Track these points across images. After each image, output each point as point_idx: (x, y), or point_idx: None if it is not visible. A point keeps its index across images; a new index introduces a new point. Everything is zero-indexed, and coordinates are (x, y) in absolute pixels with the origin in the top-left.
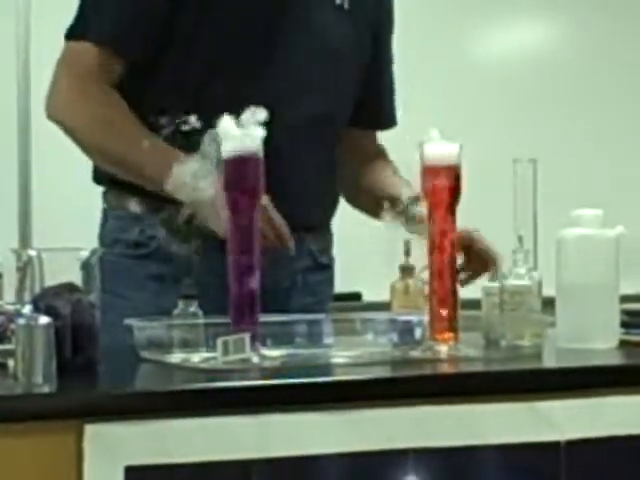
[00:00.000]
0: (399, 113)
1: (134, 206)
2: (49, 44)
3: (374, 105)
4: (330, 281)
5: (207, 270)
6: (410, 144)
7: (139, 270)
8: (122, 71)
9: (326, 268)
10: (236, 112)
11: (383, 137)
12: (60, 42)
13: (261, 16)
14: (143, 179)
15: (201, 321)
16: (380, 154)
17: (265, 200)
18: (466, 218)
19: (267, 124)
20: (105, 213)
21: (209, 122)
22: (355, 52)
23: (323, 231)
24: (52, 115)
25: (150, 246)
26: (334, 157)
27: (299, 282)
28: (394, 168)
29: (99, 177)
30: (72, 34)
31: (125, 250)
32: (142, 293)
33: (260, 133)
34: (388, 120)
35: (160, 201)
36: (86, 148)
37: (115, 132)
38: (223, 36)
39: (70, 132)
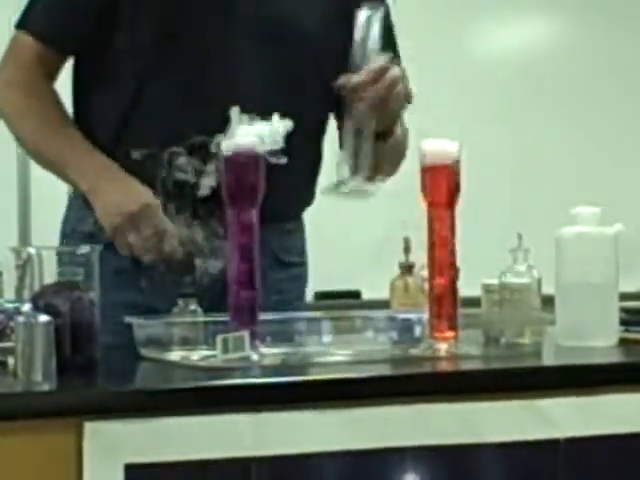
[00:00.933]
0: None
1: None
2: None
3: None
4: (298, 279)
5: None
6: (410, 144)
7: None
8: (63, 62)
9: (290, 266)
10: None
11: None
12: None
13: None
14: (65, 176)
15: (200, 319)
16: None
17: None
18: (465, 216)
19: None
20: (68, 201)
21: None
22: (321, 34)
23: (288, 228)
24: None
25: (102, 238)
26: (308, 152)
27: None
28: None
29: None
30: (18, 24)
31: (81, 241)
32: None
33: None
34: None
35: None
36: (15, 136)
37: (36, 121)
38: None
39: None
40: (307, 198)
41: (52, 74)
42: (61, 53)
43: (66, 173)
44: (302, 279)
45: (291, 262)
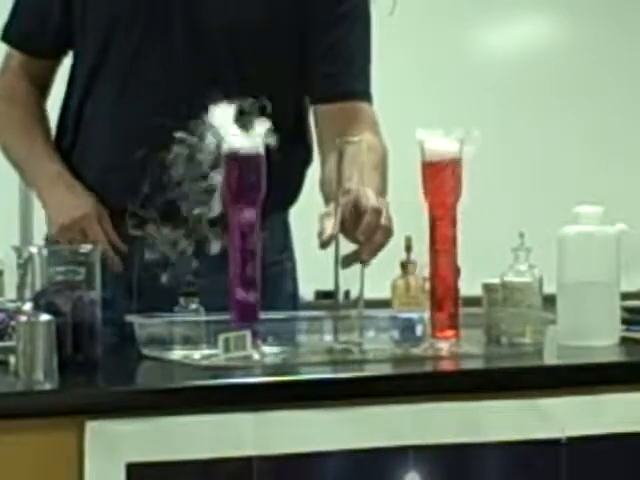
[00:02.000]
0: (396, 110)
1: None
2: None
3: (321, 74)
4: (281, 278)
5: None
6: (408, 142)
7: None
8: (46, 66)
9: (269, 265)
10: None
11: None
12: None
13: None
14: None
15: (202, 318)
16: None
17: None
18: (467, 215)
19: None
20: None
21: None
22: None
23: (268, 226)
24: None
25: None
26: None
27: None
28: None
29: None
30: (2, 34)
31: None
32: None
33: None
34: (346, 88)
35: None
36: None
37: (7, 122)
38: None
39: None
40: (290, 194)
41: (36, 79)
42: (36, 57)
43: (25, 177)
44: (282, 277)
45: (275, 260)
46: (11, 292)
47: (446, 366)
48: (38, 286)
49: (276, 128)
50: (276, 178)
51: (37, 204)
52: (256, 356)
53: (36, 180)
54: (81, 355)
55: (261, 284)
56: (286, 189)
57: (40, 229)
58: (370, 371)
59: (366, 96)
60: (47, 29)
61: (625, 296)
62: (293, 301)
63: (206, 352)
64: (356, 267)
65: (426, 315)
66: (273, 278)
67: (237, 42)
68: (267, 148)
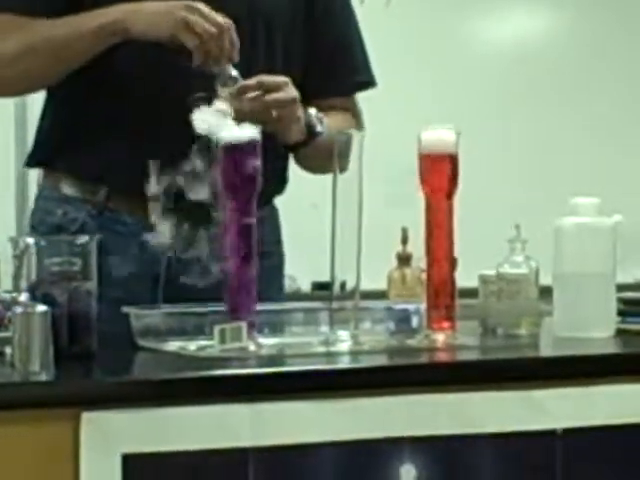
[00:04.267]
0: (393, 107)
1: (66, 188)
2: None
3: (321, 69)
4: (276, 270)
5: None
6: (405, 134)
7: None
8: None
9: (263, 256)
10: None
11: (380, 130)
12: None
13: None
14: (87, 41)
15: (198, 309)
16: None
17: None
18: (463, 206)
19: None
20: (37, 193)
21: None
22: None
23: (258, 215)
24: None
25: (70, 229)
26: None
27: None
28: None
29: (35, 159)
30: None
31: (48, 233)
32: None
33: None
34: (345, 84)
35: (94, 184)
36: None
37: (34, 29)
38: None
39: None
40: (277, 185)
41: None
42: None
43: (83, 34)
44: (279, 269)
45: (265, 252)
46: (7, 283)
47: (442, 357)
48: (34, 277)
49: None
50: (272, 167)
51: (33, 195)
52: (252, 347)
53: (109, 13)
54: (77, 346)
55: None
56: (282, 177)
57: None
58: (366, 362)
59: (373, 84)
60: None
61: (621, 287)
62: (281, 294)
63: (202, 343)
64: (352, 258)
65: (422, 307)
66: (271, 269)
67: (257, 28)
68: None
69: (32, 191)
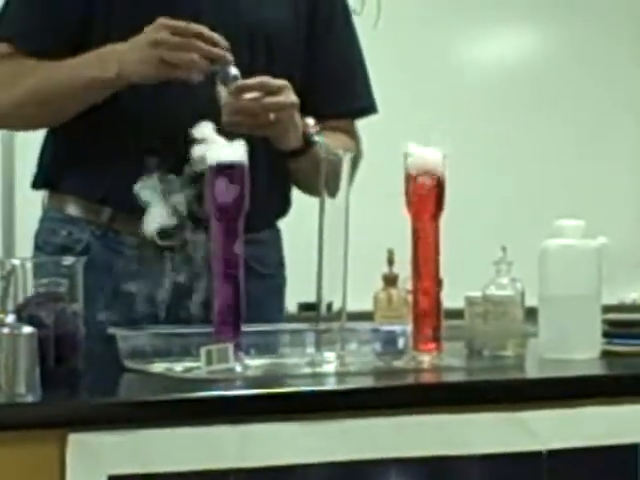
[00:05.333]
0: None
1: (71, 209)
2: None
3: (321, 92)
4: (277, 292)
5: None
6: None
7: None
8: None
9: (266, 278)
10: None
11: (371, 145)
12: None
13: None
14: (85, 88)
15: (185, 330)
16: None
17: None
18: (449, 228)
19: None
20: (43, 214)
21: None
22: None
23: (261, 238)
24: None
25: (75, 250)
26: (273, 160)
27: None
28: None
29: (41, 180)
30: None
31: (53, 253)
32: None
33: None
34: (345, 107)
35: (98, 205)
36: (9, 112)
37: (30, 73)
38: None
39: None
40: (279, 207)
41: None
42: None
43: (82, 74)
44: (281, 292)
45: (267, 274)
46: None
47: (428, 379)
48: (21, 298)
49: (266, 140)
50: (274, 189)
51: (19, 216)
52: (238, 368)
53: (101, 53)
54: (63, 367)
55: (262, 295)
56: (285, 199)
57: (23, 240)
58: (352, 384)
59: (374, 109)
60: (56, 23)
61: (606, 309)
62: (281, 316)
63: (188, 365)
64: (338, 279)
65: (408, 328)
66: (273, 291)
67: (257, 45)
68: (255, 160)
69: (19, 212)
